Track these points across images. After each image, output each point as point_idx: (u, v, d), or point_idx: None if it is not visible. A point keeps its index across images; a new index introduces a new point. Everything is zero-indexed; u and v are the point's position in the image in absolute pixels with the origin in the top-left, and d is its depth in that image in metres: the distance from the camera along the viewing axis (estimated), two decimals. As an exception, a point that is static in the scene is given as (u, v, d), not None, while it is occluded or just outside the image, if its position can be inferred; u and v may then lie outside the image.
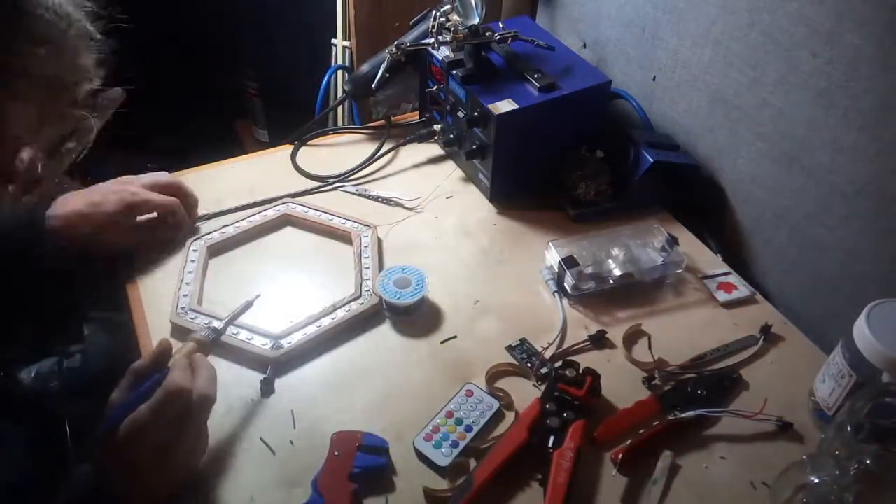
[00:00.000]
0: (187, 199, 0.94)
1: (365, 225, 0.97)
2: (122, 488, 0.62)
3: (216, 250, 0.95)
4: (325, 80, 1.33)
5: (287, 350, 0.80)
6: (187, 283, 0.88)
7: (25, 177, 0.58)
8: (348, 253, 0.94)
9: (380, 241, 0.96)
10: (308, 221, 0.99)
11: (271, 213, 0.99)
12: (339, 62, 1.45)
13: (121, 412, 0.62)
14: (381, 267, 0.92)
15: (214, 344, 0.75)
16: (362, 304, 0.86)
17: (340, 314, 0.85)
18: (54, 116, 0.56)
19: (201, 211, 0.99)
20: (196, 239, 0.94)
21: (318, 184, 1.06)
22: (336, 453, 0.70)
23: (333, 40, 1.47)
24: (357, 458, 0.70)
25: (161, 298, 0.87)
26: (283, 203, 1.00)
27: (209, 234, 0.95)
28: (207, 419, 0.67)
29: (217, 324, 0.78)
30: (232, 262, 0.94)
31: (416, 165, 1.11)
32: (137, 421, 0.61)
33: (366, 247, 0.94)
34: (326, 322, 0.83)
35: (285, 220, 1.00)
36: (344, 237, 0.97)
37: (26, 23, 0.50)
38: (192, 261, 0.91)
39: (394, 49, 1.06)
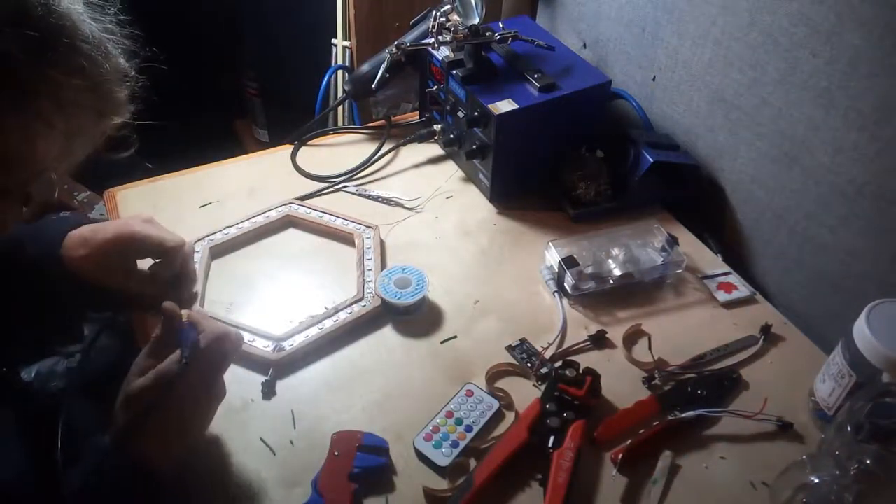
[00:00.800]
0: (186, 270, 0.80)
1: (367, 226, 0.97)
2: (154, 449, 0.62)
3: (218, 252, 0.95)
4: (325, 80, 1.33)
5: (289, 352, 0.80)
6: None
7: (39, 198, 0.58)
8: (351, 254, 0.94)
9: (382, 243, 0.96)
10: (310, 223, 0.99)
11: (274, 214, 0.99)
12: (339, 62, 1.45)
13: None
14: (384, 268, 0.92)
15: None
16: (364, 305, 0.86)
17: (342, 316, 0.85)
18: (81, 146, 0.55)
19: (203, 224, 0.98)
20: (199, 240, 0.94)
21: (321, 185, 1.06)
22: (336, 453, 0.70)
23: (333, 40, 1.47)
24: (357, 458, 0.70)
25: (161, 298, 0.87)
26: (285, 204, 1.00)
27: (212, 235, 0.95)
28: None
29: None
30: (234, 264, 0.94)
31: (416, 165, 1.11)
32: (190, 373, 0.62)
33: (368, 248, 0.94)
34: (328, 324, 0.84)
35: (288, 222, 1.00)
36: (346, 238, 0.97)
37: (64, 52, 0.50)
38: (195, 262, 0.91)
39: (394, 49, 1.06)
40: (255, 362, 0.80)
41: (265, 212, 0.99)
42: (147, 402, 0.61)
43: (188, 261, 0.79)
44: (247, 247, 0.97)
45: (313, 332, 0.83)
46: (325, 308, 0.86)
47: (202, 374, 0.64)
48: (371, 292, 0.88)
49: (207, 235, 0.95)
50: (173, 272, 0.78)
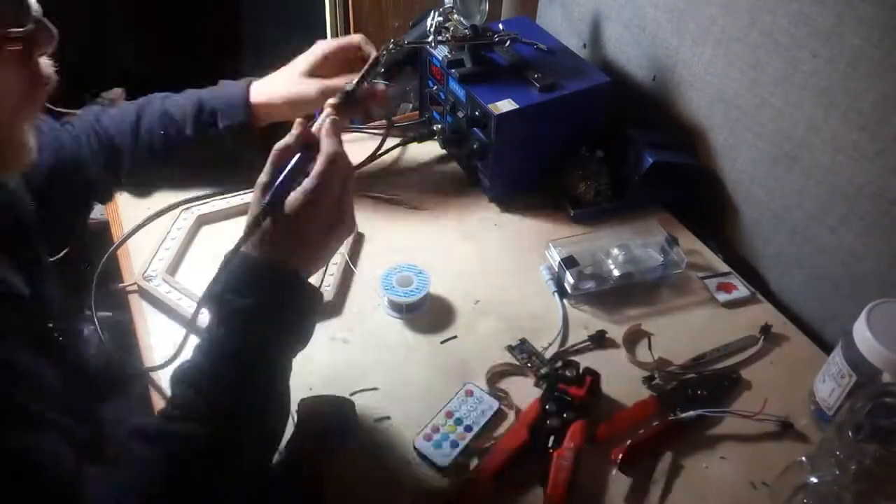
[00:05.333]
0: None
1: None
2: (292, 263, 0.61)
3: (205, 220, 0.96)
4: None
5: None
6: (166, 249, 0.88)
7: (40, 50, 0.57)
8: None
9: (361, 236, 0.97)
10: None
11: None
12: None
13: (279, 189, 0.61)
14: (354, 263, 0.93)
15: (349, 102, 0.74)
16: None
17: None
18: None
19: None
20: (186, 209, 0.95)
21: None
22: (304, 418, 0.72)
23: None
24: (326, 419, 0.72)
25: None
26: None
27: (200, 203, 0.96)
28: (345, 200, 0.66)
29: (349, 86, 0.77)
30: (221, 233, 0.95)
31: (417, 165, 1.11)
32: (308, 192, 0.61)
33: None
34: None
35: None
36: None
37: None
38: (178, 228, 0.91)
39: (390, 45, 1.05)
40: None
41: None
42: (295, 216, 0.61)
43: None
44: (235, 218, 0.97)
45: None
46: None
47: (334, 195, 0.63)
48: (329, 286, 0.88)
49: (196, 203, 0.96)
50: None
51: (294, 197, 0.61)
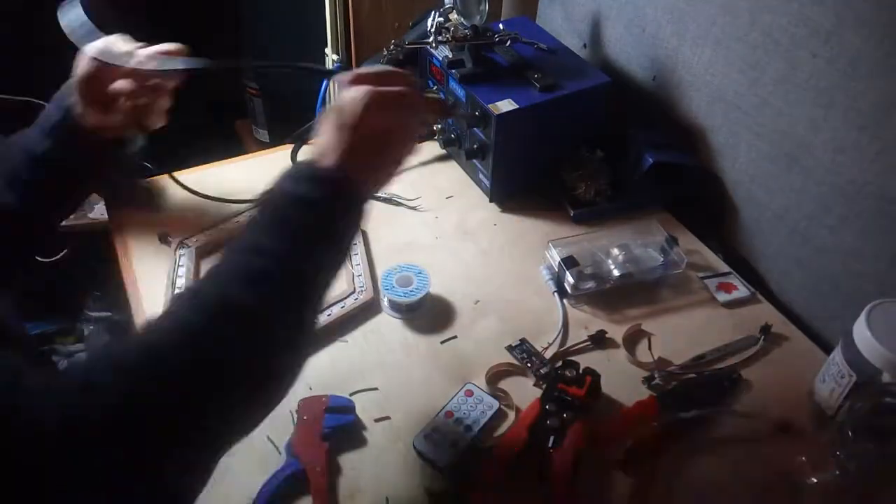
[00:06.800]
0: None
1: None
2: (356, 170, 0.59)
3: (204, 252, 0.94)
4: (326, 80, 1.33)
5: None
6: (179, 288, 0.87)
7: None
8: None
9: (364, 234, 0.97)
10: None
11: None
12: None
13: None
14: (371, 262, 0.92)
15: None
16: (357, 299, 0.86)
17: (335, 310, 0.85)
18: None
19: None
20: (179, 247, 0.92)
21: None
22: (304, 417, 0.73)
23: (326, 50, 1.47)
24: (326, 419, 0.73)
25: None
26: None
27: (193, 237, 0.94)
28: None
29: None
30: None
31: (417, 165, 1.11)
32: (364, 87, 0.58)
33: (353, 244, 0.93)
34: (322, 318, 0.83)
35: None
36: None
37: None
38: (181, 265, 0.90)
39: (392, 46, 1.06)
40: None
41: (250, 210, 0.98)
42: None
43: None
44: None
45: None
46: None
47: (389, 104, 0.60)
48: (362, 286, 0.88)
49: (188, 238, 0.93)
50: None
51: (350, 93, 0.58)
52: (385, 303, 0.87)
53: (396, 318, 0.87)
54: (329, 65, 1.47)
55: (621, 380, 0.80)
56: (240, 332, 0.51)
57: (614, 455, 0.72)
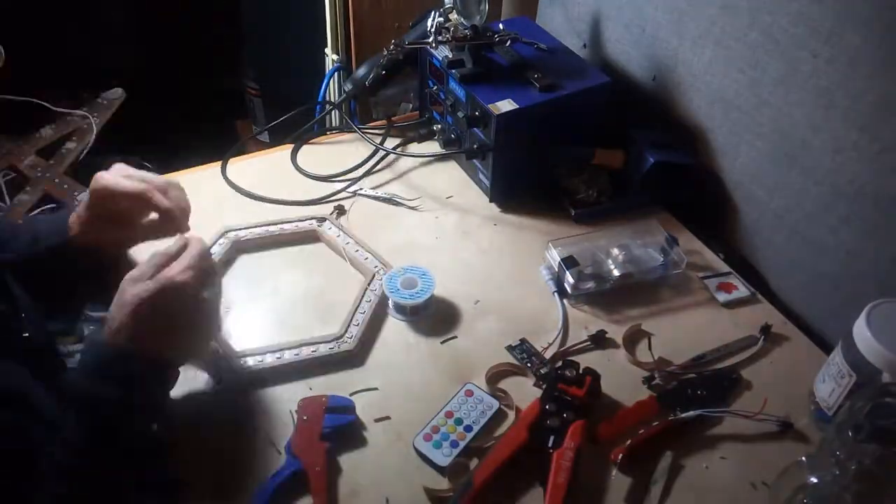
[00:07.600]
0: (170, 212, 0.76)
1: (385, 266, 0.92)
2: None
3: (241, 248, 0.95)
4: (326, 80, 1.33)
5: (254, 369, 0.79)
6: None
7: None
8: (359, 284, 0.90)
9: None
10: (334, 245, 0.95)
11: (304, 226, 0.97)
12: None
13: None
14: (374, 315, 0.87)
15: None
16: (342, 345, 0.82)
17: (322, 349, 0.81)
18: None
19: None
20: (224, 234, 0.94)
21: (326, 187, 1.06)
22: (304, 418, 0.73)
23: (326, 50, 1.47)
24: (326, 419, 0.73)
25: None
26: (320, 220, 0.98)
27: (238, 230, 0.95)
28: (203, 295, 0.68)
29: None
30: (249, 264, 0.94)
31: (417, 165, 1.11)
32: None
33: (373, 290, 0.88)
34: (305, 352, 0.80)
35: (314, 237, 0.98)
36: (363, 270, 0.93)
37: None
38: (213, 252, 0.89)
39: (392, 46, 1.06)
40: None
41: (295, 221, 0.98)
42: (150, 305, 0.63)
43: (170, 201, 0.76)
44: (266, 250, 0.96)
45: (287, 355, 0.80)
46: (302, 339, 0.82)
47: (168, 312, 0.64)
48: (352, 336, 0.82)
49: (235, 230, 0.95)
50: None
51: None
52: (389, 305, 0.87)
53: (401, 320, 0.87)
54: (329, 65, 1.47)
55: (621, 380, 0.80)
56: None
57: (614, 455, 0.72)
